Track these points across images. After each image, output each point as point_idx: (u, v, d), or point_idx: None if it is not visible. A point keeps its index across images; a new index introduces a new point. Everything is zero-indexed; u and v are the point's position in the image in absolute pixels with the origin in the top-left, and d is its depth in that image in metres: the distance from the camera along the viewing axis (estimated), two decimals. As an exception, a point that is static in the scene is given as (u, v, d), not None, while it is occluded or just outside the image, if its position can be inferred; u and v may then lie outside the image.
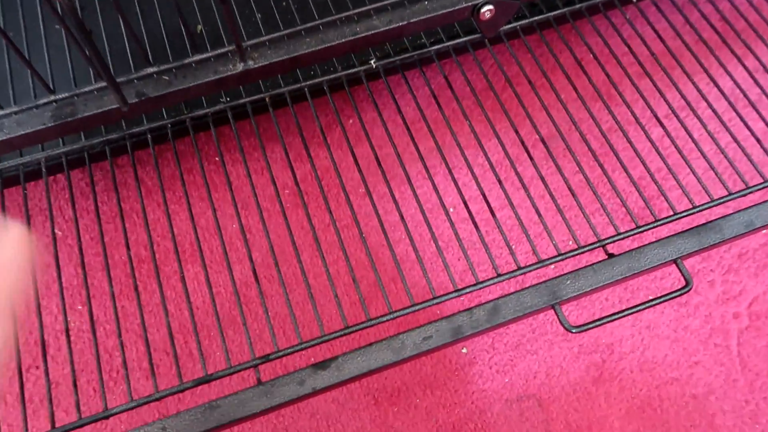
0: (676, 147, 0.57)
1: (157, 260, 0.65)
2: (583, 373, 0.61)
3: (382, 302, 0.64)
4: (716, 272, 0.66)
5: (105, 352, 0.61)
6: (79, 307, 0.63)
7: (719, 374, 0.61)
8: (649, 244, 0.49)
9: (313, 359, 0.60)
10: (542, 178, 0.54)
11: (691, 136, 0.58)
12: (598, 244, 0.50)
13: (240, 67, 0.52)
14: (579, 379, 0.61)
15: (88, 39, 0.39)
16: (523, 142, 0.56)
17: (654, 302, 0.48)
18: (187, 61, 0.51)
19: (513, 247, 0.66)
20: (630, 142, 0.57)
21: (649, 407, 0.60)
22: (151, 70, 0.51)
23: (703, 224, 0.50)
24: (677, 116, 0.59)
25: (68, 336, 0.47)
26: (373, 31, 0.53)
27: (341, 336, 0.46)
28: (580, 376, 0.61)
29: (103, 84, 0.49)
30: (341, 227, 0.67)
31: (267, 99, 0.58)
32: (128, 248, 0.52)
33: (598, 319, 0.47)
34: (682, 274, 0.49)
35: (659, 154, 0.56)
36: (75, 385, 0.45)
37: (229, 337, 0.62)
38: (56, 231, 0.67)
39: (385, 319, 0.47)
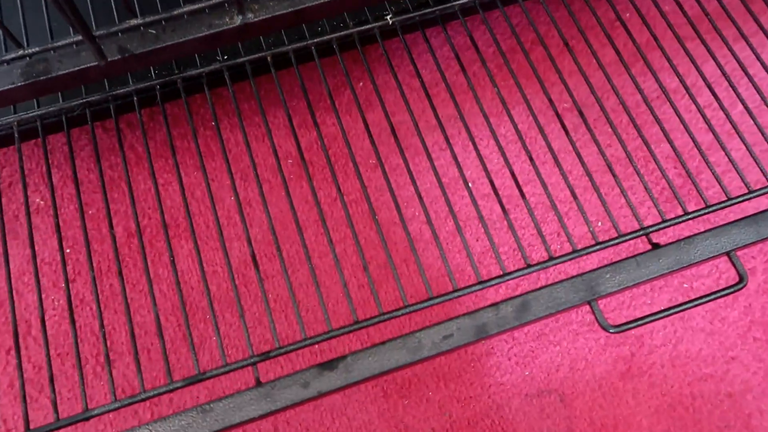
0: (728, 118, 0.50)
1: (149, 235, 0.60)
2: (610, 367, 0.56)
3: (394, 285, 0.59)
4: (758, 259, 0.61)
5: (92, 335, 0.56)
6: (63, 285, 0.58)
7: (758, 371, 0.56)
8: (700, 233, 0.43)
9: (318, 356, 0.56)
10: (576, 152, 0.48)
11: (745, 106, 0.51)
12: (641, 233, 0.45)
13: (238, 20, 0.45)
14: (605, 374, 0.56)
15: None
16: (555, 110, 0.50)
17: (704, 300, 0.42)
18: (177, 12, 0.44)
19: (542, 227, 0.60)
20: (676, 112, 0.50)
21: (681, 406, 0.55)
22: (135, 22, 0.44)
23: (763, 212, 0.44)
24: (730, 81, 0.52)
25: (44, 325, 0.42)
26: (391, -19, 0.46)
27: (350, 332, 0.41)
28: (606, 370, 0.56)
29: (81, 37, 0.43)
30: (349, 202, 0.61)
31: (269, 58, 0.51)
32: (111, 224, 0.46)
33: (640, 319, 0.42)
34: (736, 269, 0.43)
35: (709, 125, 0.49)
36: (52, 381, 0.40)
37: (225, 327, 0.57)
38: (39, 201, 0.61)
39: (399, 313, 0.42)
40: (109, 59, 0.43)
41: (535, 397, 0.55)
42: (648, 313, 0.58)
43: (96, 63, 0.43)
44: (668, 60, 0.53)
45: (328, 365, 0.39)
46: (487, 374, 0.56)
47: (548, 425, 0.54)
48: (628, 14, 0.69)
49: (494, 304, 0.41)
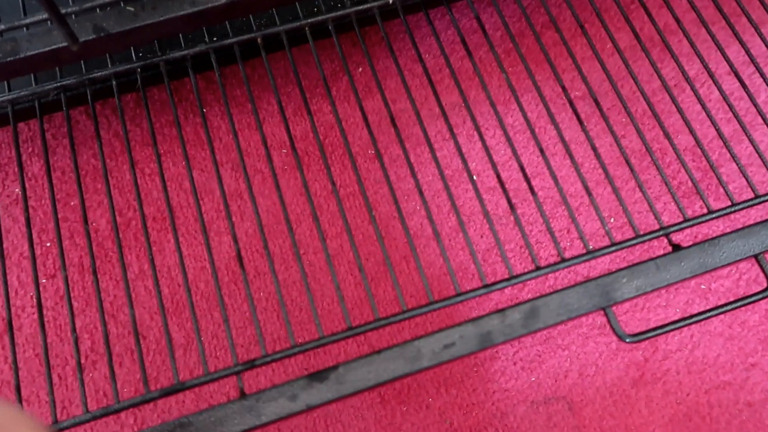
0: (755, 105, 0.46)
1: (134, 228, 0.56)
2: (622, 374, 0.53)
3: (391, 285, 0.55)
4: (781, 259, 0.57)
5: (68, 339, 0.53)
6: (43, 281, 0.55)
7: (779, 379, 0.53)
8: (726, 234, 0.40)
9: (312, 358, 0.52)
10: (590, 142, 0.44)
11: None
12: (661, 233, 0.41)
13: (223, -3, 0.41)
14: (616, 381, 0.52)
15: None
16: (567, 97, 0.46)
17: (729, 307, 0.39)
18: (156, -12, 0.41)
19: (551, 223, 0.56)
20: (699, 99, 0.46)
21: (697, 415, 0.52)
22: (111, -2, 0.40)
23: (795, 212, 0.40)
24: (757, 66, 0.48)
25: (11, 327, 0.39)
26: (391, -45, 0.42)
27: (344, 339, 0.38)
28: (617, 376, 0.53)
29: (49, 15, 0.39)
30: (347, 195, 0.58)
31: (259, 40, 0.47)
32: (85, 217, 0.43)
33: (658, 327, 0.38)
34: (765, 273, 0.40)
35: (734, 114, 0.45)
36: (18, 390, 0.37)
37: (214, 326, 0.53)
38: (18, 191, 0.58)
39: (396, 319, 0.38)
40: (82, 40, 0.40)
41: (542, 404, 0.52)
42: (663, 315, 0.54)
43: (67, 44, 0.39)
44: (691, 44, 0.49)
45: (318, 376, 0.36)
46: (491, 380, 0.52)
47: (555, 435, 0.51)
48: (645, -4, 0.65)
49: (500, 311, 0.38)
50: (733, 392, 0.52)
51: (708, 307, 0.55)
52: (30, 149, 0.59)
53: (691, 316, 0.38)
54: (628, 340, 0.38)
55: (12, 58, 0.40)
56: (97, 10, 0.41)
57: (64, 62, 0.42)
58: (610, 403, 0.52)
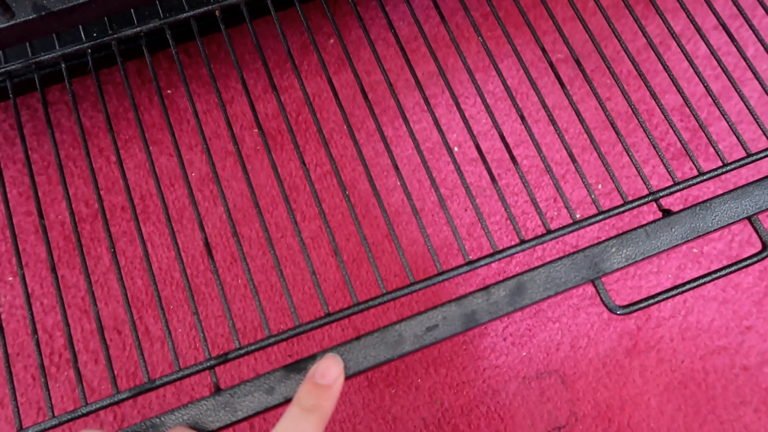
0: (745, 60, 0.44)
1: (99, 221, 0.54)
2: (615, 344, 0.51)
3: (370, 268, 0.53)
4: (773, 218, 0.55)
5: (44, 333, 0.51)
6: (10, 279, 0.52)
7: (775, 341, 0.52)
8: (717, 197, 0.38)
9: (291, 353, 0.50)
10: (574, 107, 0.42)
11: (763, 44, 0.44)
12: (650, 198, 0.39)
13: (173, -34, 0.38)
14: (609, 351, 0.51)
15: None
16: (549, 61, 0.44)
17: (724, 272, 0.37)
18: (99, -41, 0.38)
19: (534, 194, 0.54)
20: (687, 56, 0.44)
21: (692, 382, 0.51)
22: (49, -27, 0.37)
23: (789, 169, 0.39)
24: (746, 18, 0.45)
25: (-32, 333, 0.37)
26: None
27: (320, 326, 0.36)
28: (610, 347, 0.51)
29: (-17, -6, 0.36)
30: (322, 174, 0.55)
31: (217, 12, 0.44)
32: (40, 213, 0.40)
33: (650, 297, 0.36)
34: (759, 235, 0.38)
35: (723, 69, 0.43)
36: (-21, 398, 0.35)
37: (191, 318, 0.51)
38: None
39: (375, 303, 0.36)
40: (21, 20, 0.37)
41: (534, 379, 0.50)
42: (655, 282, 0.53)
43: (5, 23, 0.36)
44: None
45: (295, 367, 0.34)
46: (480, 357, 0.51)
47: (549, 409, 0.50)
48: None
49: (485, 288, 0.36)
50: (729, 357, 0.51)
51: (701, 271, 0.54)
52: (-10, 140, 0.56)
53: (682, 284, 0.37)
54: (618, 312, 0.36)
55: (-54, 43, 0.37)
56: (37, -14, 0.38)
57: (6, 45, 0.39)
58: (603, 374, 0.51)
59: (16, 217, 0.54)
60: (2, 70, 0.42)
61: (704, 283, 0.37)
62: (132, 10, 0.44)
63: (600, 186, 0.55)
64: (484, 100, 0.43)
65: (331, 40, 0.59)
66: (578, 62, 0.44)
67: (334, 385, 0.32)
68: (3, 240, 0.53)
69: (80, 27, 0.43)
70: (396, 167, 0.40)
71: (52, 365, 0.50)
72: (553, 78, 0.58)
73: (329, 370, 0.33)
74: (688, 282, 0.36)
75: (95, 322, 0.36)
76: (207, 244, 0.38)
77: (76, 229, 0.39)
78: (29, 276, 0.52)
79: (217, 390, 0.34)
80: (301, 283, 0.52)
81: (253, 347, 0.35)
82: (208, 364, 0.35)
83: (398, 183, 0.55)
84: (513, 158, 0.41)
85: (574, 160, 0.40)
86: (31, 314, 0.37)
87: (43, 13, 0.37)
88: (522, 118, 0.42)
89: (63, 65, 0.42)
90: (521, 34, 0.59)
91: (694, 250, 0.54)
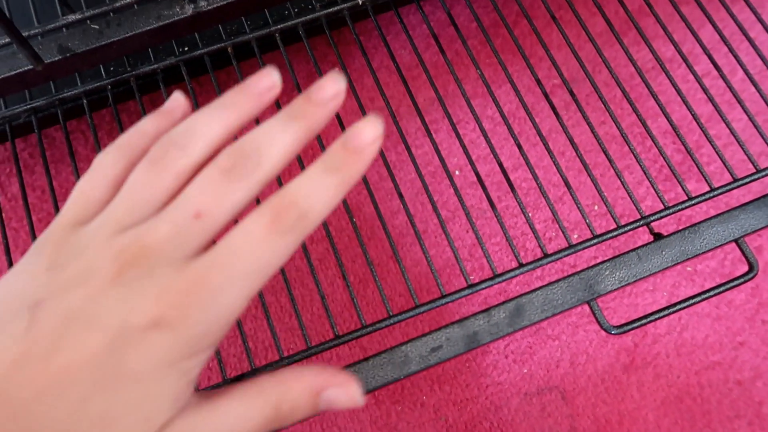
0: (729, 87, 0.46)
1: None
2: (612, 360, 0.53)
3: (375, 288, 0.55)
4: (764, 237, 0.57)
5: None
6: (29, 302, 0.54)
7: (767, 356, 0.53)
8: (705, 221, 0.40)
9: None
10: (566, 132, 0.44)
11: (747, 72, 0.47)
12: (641, 222, 0.41)
13: (189, 9, 0.41)
14: (607, 367, 0.53)
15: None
16: (542, 88, 0.46)
17: (712, 293, 0.39)
18: (120, 4, 0.40)
19: (533, 215, 0.56)
20: (673, 83, 0.46)
21: (688, 396, 0.52)
22: (74, 17, 0.40)
23: (771, 194, 0.41)
24: (729, 47, 0.47)
25: None
26: (356, -43, 0.42)
27: (331, 348, 0.38)
28: (608, 363, 0.53)
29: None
30: (329, 198, 0.57)
31: (229, 49, 0.46)
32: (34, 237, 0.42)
33: (644, 317, 0.38)
34: (745, 257, 0.40)
35: (708, 96, 0.45)
36: None
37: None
38: (-3, 212, 0.57)
39: (382, 325, 0.38)
40: (47, 61, 0.39)
41: (535, 395, 0.52)
42: (650, 299, 0.55)
43: (32, 66, 0.39)
44: (662, 27, 0.49)
45: (307, 387, 0.36)
46: (483, 374, 0.53)
47: (549, 424, 0.51)
48: (618, -21, 0.64)
49: (486, 310, 0.38)
50: (723, 371, 0.53)
51: (695, 289, 0.56)
52: (7, 170, 0.59)
53: (675, 304, 0.38)
54: (613, 332, 0.38)
55: (-23, 84, 0.39)
56: (63, 30, 0.40)
57: (33, 85, 0.41)
58: (602, 390, 0.52)
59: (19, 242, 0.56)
60: (28, 106, 0.44)
61: (696, 303, 0.39)
62: (149, 48, 0.46)
63: (596, 207, 0.57)
64: (481, 126, 0.45)
65: (335, 69, 0.62)
66: (570, 91, 0.46)
67: (376, 142, 0.24)
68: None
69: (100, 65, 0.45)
70: (398, 191, 0.42)
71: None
72: (551, 102, 0.60)
73: (371, 127, 0.24)
74: (681, 302, 0.38)
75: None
76: (222, 270, 0.40)
77: (97, 257, 0.41)
78: (48, 299, 0.54)
79: (233, 410, 0.36)
80: (309, 304, 0.54)
81: (267, 369, 0.37)
82: (225, 384, 0.37)
83: (401, 206, 0.57)
84: (510, 183, 0.43)
85: (568, 185, 0.42)
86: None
87: (68, 54, 0.40)
88: (518, 145, 0.44)
89: (84, 100, 0.45)
90: (517, 61, 0.61)
91: (688, 269, 0.56)
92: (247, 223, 0.22)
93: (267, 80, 0.26)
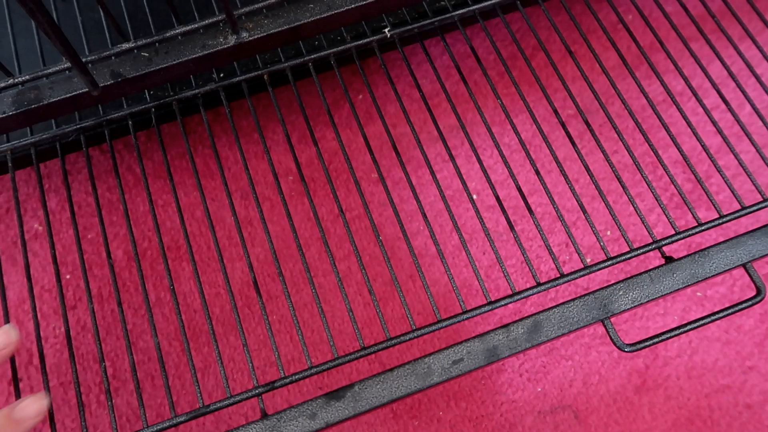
0: (737, 120, 0.48)
1: (150, 258, 0.59)
2: (624, 381, 0.55)
3: (399, 303, 0.57)
4: (772, 264, 0.59)
5: (95, 362, 0.55)
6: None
7: (777, 380, 0.55)
8: (715, 245, 0.42)
9: (325, 377, 0.54)
10: (582, 159, 0.47)
11: (754, 107, 0.49)
12: (653, 246, 0.43)
13: (232, 40, 0.44)
14: (620, 388, 0.54)
15: (34, 1, 0.32)
16: (559, 117, 0.49)
17: (721, 315, 0.41)
18: (169, 34, 0.43)
19: (548, 239, 0.59)
20: (683, 115, 0.48)
21: (698, 418, 0.54)
22: (127, 45, 0.43)
23: (779, 221, 0.43)
24: (737, 82, 0.50)
25: (42, 355, 0.41)
26: (388, -5, 0.45)
27: (357, 359, 0.40)
28: (620, 384, 0.54)
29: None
30: (353, 218, 0.60)
31: (265, 77, 0.50)
32: (107, 248, 0.45)
33: (655, 336, 0.40)
34: (753, 281, 0.42)
35: (717, 128, 0.48)
36: (52, 417, 0.39)
37: (230, 350, 0.56)
38: (37, 227, 0.60)
39: (406, 338, 0.40)
40: (101, 85, 0.42)
41: (549, 414, 0.54)
42: (661, 323, 0.56)
43: (88, 90, 0.42)
44: (673, 62, 0.52)
45: (335, 394, 0.38)
46: (498, 392, 0.54)
47: (563, 443, 0.53)
48: (630, 16, 0.68)
49: (505, 326, 0.40)
50: (732, 395, 0.54)
51: (704, 313, 0.57)
52: (47, 185, 0.62)
53: (685, 325, 0.40)
54: (627, 349, 0.40)
55: (36, 105, 0.43)
56: (114, 57, 0.43)
57: (84, 106, 0.44)
58: (614, 410, 0.54)
59: (72, 255, 0.59)
60: (77, 126, 0.47)
61: (705, 324, 0.41)
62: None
63: (609, 233, 0.60)
64: (500, 152, 0.48)
65: (360, 96, 0.65)
66: (585, 121, 0.49)
67: (26, 422, 0.33)
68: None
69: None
70: (423, 212, 0.45)
71: (102, 393, 0.54)
72: (567, 130, 0.63)
73: (29, 407, 0.34)
74: (692, 322, 0.40)
75: (156, 352, 0.41)
76: (255, 282, 0.43)
77: (139, 267, 0.44)
78: (82, 309, 0.57)
79: (264, 415, 0.38)
80: (331, 319, 0.56)
81: (297, 376, 0.39)
82: (257, 391, 0.39)
83: (421, 227, 0.60)
84: (528, 206, 0.45)
85: (584, 210, 0.45)
86: (99, 343, 0.41)
87: (119, 79, 0.43)
88: (536, 171, 0.47)
89: (130, 122, 0.48)
90: (534, 91, 0.64)
91: (698, 294, 0.58)
92: None
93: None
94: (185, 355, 0.55)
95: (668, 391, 0.54)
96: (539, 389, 0.54)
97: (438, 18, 0.52)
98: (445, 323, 0.41)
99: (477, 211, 0.45)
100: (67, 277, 0.58)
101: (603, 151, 0.48)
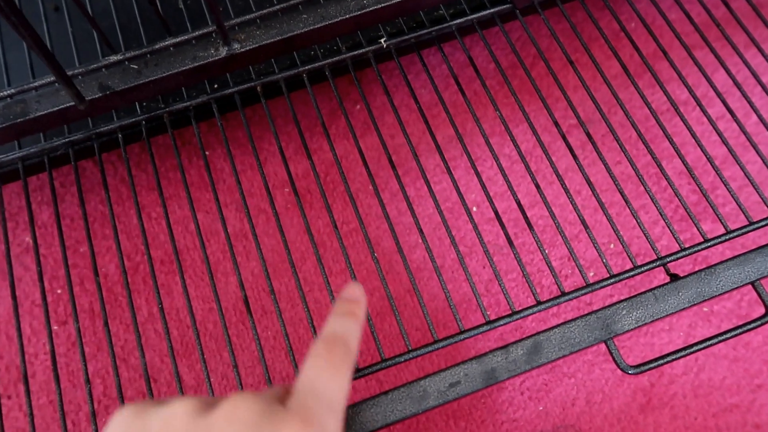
0: (743, 130, 0.47)
1: (143, 272, 0.57)
2: (629, 400, 0.53)
3: (392, 322, 0.56)
4: (781, 278, 0.57)
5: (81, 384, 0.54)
6: (55, 327, 0.56)
7: (786, 399, 0.53)
8: (722, 263, 0.41)
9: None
10: (583, 171, 0.45)
11: (759, 116, 0.48)
12: (658, 263, 0.42)
13: (223, 51, 0.43)
14: (624, 407, 0.53)
15: (16, 14, 0.30)
16: (559, 128, 0.47)
17: (728, 335, 0.39)
18: (159, 46, 0.42)
19: (549, 252, 0.57)
20: (687, 125, 0.47)
21: (706, 438, 0.52)
22: (115, 58, 0.42)
23: (788, 237, 0.41)
24: (742, 91, 0.49)
25: (26, 377, 0.40)
26: (383, 4, 0.44)
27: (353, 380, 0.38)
28: (625, 402, 0.53)
29: (57, 77, 0.40)
30: (349, 231, 0.59)
31: (258, 88, 0.49)
32: (95, 264, 0.44)
33: (660, 357, 0.39)
34: (762, 300, 0.40)
35: (722, 138, 0.46)
36: (34, 443, 0.38)
37: (224, 367, 0.54)
38: (28, 240, 0.59)
39: (401, 359, 0.39)
40: (88, 99, 0.41)
41: (551, 433, 0.52)
42: (667, 339, 0.55)
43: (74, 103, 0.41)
44: (676, 70, 0.50)
45: (327, 419, 0.37)
46: (498, 410, 0.53)
47: (565, 464, 0.51)
48: (633, 24, 0.66)
49: (504, 347, 0.38)
50: (741, 414, 0.52)
51: (711, 329, 0.56)
52: (39, 198, 0.61)
53: (692, 345, 0.39)
54: (630, 372, 0.38)
55: (22, 119, 0.42)
56: (103, 69, 0.42)
57: (72, 120, 0.43)
58: (618, 429, 0.52)
59: (63, 269, 0.58)
60: (66, 140, 0.46)
61: (713, 344, 0.39)
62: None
63: (612, 245, 0.58)
64: (499, 164, 0.46)
65: (357, 106, 0.64)
66: (586, 131, 0.48)
67: (362, 299, 0.34)
68: (48, 291, 0.57)
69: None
70: (418, 226, 0.43)
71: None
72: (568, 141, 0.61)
73: (355, 291, 0.34)
74: (698, 343, 0.39)
75: (142, 370, 0.39)
76: (246, 299, 0.41)
77: (127, 284, 0.42)
78: (71, 325, 0.56)
79: (254, 440, 0.37)
80: (327, 335, 0.55)
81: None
82: (246, 415, 0.38)
83: (419, 241, 0.58)
84: (527, 220, 0.44)
85: (584, 224, 0.43)
86: (84, 361, 0.40)
87: (108, 92, 0.42)
88: (536, 184, 0.45)
89: (120, 135, 0.47)
90: (535, 101, 0.63)
91: (705, 309, 0.56)
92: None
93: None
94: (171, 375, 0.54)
95: (674, 410, 0.53)
96: (541, 408, 0.53)
97: (435, 28, 0.51)
98: (441, 344, 0.39)
99: (474, 225, 0.44)
100: (59, 291, 0.57)
101: (605, 163, 0.46)
